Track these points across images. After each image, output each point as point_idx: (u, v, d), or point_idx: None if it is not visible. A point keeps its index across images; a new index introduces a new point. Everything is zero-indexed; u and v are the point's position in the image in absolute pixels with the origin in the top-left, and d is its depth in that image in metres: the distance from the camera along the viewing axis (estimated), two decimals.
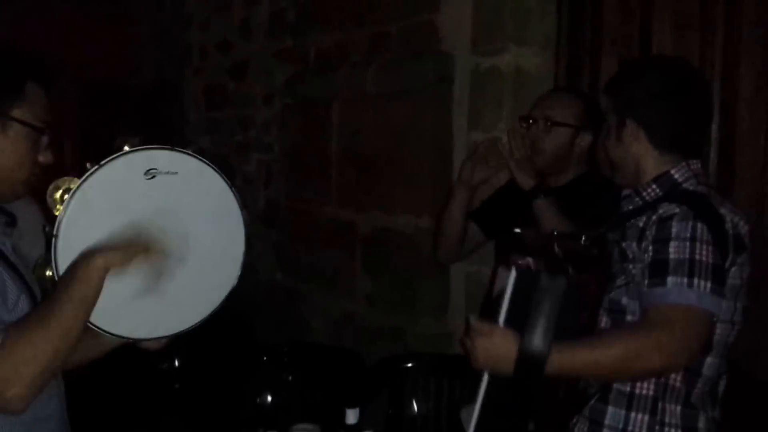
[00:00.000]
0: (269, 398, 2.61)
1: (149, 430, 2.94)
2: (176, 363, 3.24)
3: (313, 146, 3.27)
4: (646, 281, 1.35)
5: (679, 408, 1.39)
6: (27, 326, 1.13)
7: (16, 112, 1.21)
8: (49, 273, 1.21)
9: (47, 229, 1.21)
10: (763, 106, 1.84)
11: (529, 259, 1.38)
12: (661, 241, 1.33)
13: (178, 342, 1.40)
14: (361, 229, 2.99)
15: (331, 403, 2.52)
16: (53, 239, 1.19)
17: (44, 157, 1.27)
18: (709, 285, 1.30)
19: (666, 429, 1.39)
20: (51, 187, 1.24)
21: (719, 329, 1.38)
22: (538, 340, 1.30)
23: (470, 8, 2.46)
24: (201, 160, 1.32)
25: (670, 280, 1.30)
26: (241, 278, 1.39)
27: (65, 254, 1.19)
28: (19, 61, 1.26)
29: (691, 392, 1.40)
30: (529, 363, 1.31)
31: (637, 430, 1.41)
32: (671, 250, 1.32)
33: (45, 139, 1.26)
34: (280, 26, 3.54)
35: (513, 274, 1.35)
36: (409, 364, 2.42)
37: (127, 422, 2.89)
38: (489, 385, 1.38)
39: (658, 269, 1.33)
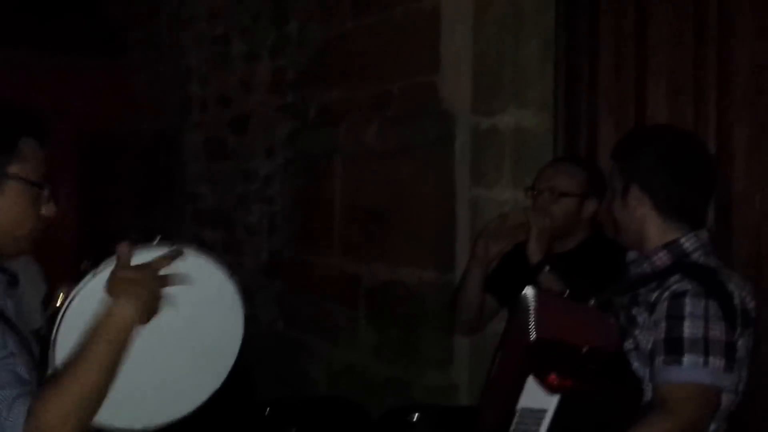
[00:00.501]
0: None
1: None
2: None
3: (316, 199, 3.34)
4: (662, 357, 1.41)
5: None
6: (61, 385, 1.13)
7: (13, 169, 1.21)
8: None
9: (42, 331, 1.22)
10: (757, 166, 1.94)
11: (563, 377, 1.34)
12: (675, 318, 1.40)
13: None
14: (364, 281, 3.05)
15: None
16: (51, 345, 1.18)
17: (47, 210, 1.26)
18: (723, 363, 1.38)
19: None
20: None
21: (724, 399, 1.44)
22: None
23: (470, 70, 2.57)
24: (200, 252, 1.30)
25: (686, 359, 1.37)
26: (233, 370, 1.39)
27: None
28: (11, 116, 1.26)
29: None
30: None
31: None
32: (686, 328, 1.38)
33: (46, 193, 1.26)
34: (280, 82, 3.65)
35: (556, 399, 1.33)
36: (415, 417, 2.44)
37: None
38: None
39: (674, 347, 1.39)
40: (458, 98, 2.62)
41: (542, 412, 1.34)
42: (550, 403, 1.33)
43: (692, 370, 1.37)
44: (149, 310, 1.21)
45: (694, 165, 1.55)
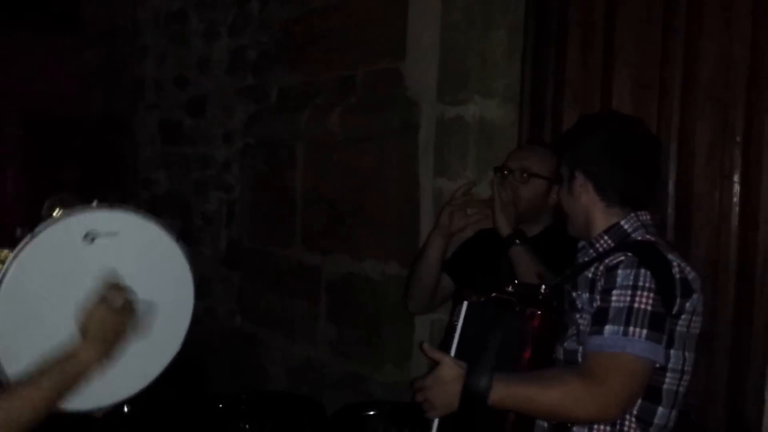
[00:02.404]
0: None
1: None
2: (125, 410, 3.22)
3: (277, 187, 3.34)
4: (588, 329, 1.47)
5: None
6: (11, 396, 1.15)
7: None
8: None
9: None
10: (717, 164, 2.00)
11: (480, 297, 1.55)
12: (607, 291, 1.45)
13: None
14: (325, 274, 3.07)
15: None
16: None
17: None
18: (645, 332, 1.40)
19: None
20: None
21: (669, 378, 1.48)
22: (484, 372, 1.43)
23: (437, 58, 2.60)
24: (143, 215, 1.33)
25: (607, 328, 1.41)
26: (185, 342, 1.41)
27: (2, 326, 1.19)
28: None
29: None
30: (472, 391, 1.43)
31: None
32: (613, 298, 1.43)
33: None
34: (240, 63, 3.62)
35: (464, 306, 1.52)
36: (371, 413, 2.48)
37: None
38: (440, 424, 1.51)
39: (599, 317, 1.45)
40: (424, 86, 2.65)
41: (456, 325, 1.54)
42: (461, 312, 1.54)
43: (612, 338, 1.40)
44: (111, 353, 1.23)
45: (637, 150, 1.59)
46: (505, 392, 1.43)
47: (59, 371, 1.18)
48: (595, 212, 1.60)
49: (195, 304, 1.41)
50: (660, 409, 1.49)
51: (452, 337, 1.53)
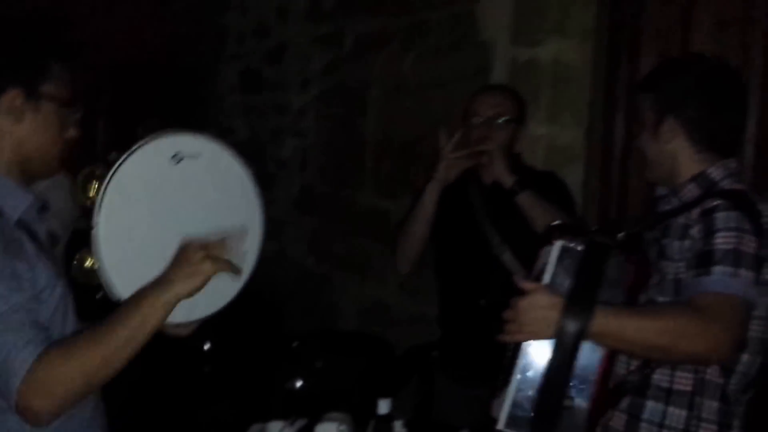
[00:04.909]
0: (299, 384, 2.78)
1: (180, 412, 3.13)
2: (206, 347, 3.43)
3: (350, 133, 3.44)
4: (692, 272, 1.42)
5: (715, 404, 1.48)
6: (74, 346, 1.16)
7: (46, 88, 1.27)
8: (89, 263, 1.29)
9: (83, 221, 1.31)
10: None
11: (569, 237, 1.42)
12: (709, 233, 1.41)
13: (208, 325, 1.48)
14: (395, 218, 3.16)
15: (362, 391, 2.68)
16: (93, 230, 1.26)
17: (69, 133, 1.32)
18: (752, 275, 1.38)
19: (703, 425, 1.47)
20: (80, 177, 1.33)
21: (755, 325, 1.46)
22: (582, 299, 1.33)
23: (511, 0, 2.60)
24: (220, 143, 1.43)
25: (716, 269, 1.37)
26: (257, 265, 1.46)
27: (107, 245, 1.28)
28: (43, 38, 1.30)
29: (727, 389, 1.48)
30: (575, 317, 1.31)
31: (674, 424, 1.49)
32: (718, 240, 1.39)
33: (73, 115, 1.32)
34: (318, 11, 3.71)
35: (558, 245, 1.39)
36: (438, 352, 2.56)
37: (158, 405, 3.08)
38: (520, 378, 1.40)
39: (705, 259, 1.40)
40: (497, 28, 2.66)
41: (546, 266, 1.41)
42: (553, 253, 1.40)
43: (722, 279, 1.36)
44: (196, 290, 1.24)
45: (728, 94, 1.55)
46: (610, 321, 1.32)
47: (145, 302, 1.20)
48: (683, 158, 1.55)
49: (264, 229, 1.49)
50: (745, 356, 1.48)
51: (541, 278, 1.41)
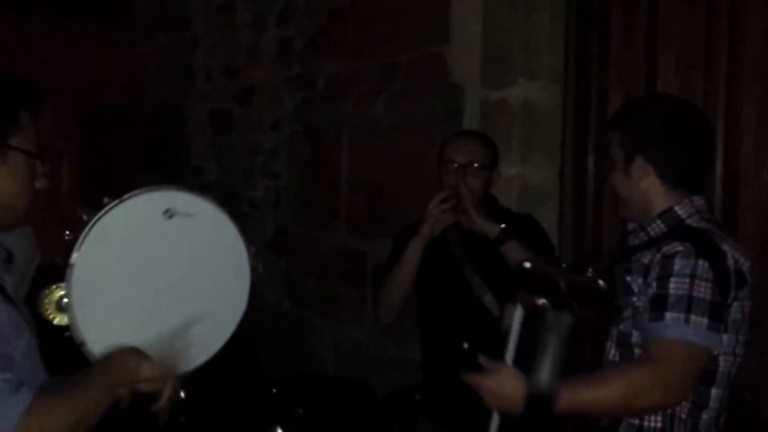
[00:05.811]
0: None
1: None
2: (181, 395, 3.37)
3: (322, 174, 3.45)
4: (647, 315, 1.49)
5: None
6: (56, 399, 1.22)
7: (14, 141, 1.28)
8: (57, 296, 1.29)
9: (60, 259, 1.30)
10: (765, 143, 2.00)
11: (535, 296, 1.48)
12: (664, 278, 1.47)
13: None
14: (370, 258, 3.16)
15: None
16: (68, 267, 1.28)
17: (40, 183, 1.34)
18: (705, 321, 1.43)
19: None
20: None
21: (722, 361, 1.52)
22: (545, 379, 1.42)
23: (479, 42, 2.64)
24: (216, 205, 1.44)
25: (668, 315, 1.44)
26: (236, 331, 1.50)
27: (80, 284, 1.29)
28: (11, 88, 1.32)
29: (698, 424, 1.53)
30: (537, 403, 1.41)
31: None
32: (671, 285, 1.46)
33: (41, 165, 1.33)
34: (287, 52, 3.73)
35: (519, 311, 1.47)
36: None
37: None
38: (500, 424, 1.50)
39: (658, 304, 1.47)
40: (467, 71, 2.70)
41: (510, 330, 1.49)
42: (516, 318, 1.48)
43: (674, 326, 1.43)
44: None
45: (693, 132, 1.60)
46: (570, 397, 1.42)
47: (118, 378, 1.31)
48: (654, 195, 1.60)
49: (249, 296, 1.51)
50: (714, 391, 1.52)
51: (506, 343, 1.49)
